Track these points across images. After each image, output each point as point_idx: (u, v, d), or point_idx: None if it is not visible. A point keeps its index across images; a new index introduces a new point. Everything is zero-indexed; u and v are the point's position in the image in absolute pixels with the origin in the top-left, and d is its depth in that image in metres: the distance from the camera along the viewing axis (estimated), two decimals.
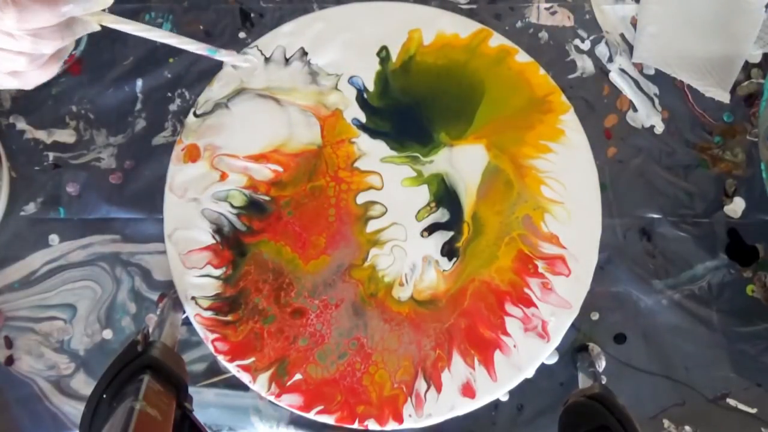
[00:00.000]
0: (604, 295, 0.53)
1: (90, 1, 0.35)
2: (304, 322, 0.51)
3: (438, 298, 0.51)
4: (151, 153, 0.55)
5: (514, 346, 0.50)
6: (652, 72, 0.56)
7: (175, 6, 0.56)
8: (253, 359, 0.50)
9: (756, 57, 0.55)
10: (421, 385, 0.50)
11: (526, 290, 0.51)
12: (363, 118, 0.53)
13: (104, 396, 0.39)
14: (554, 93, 0.53)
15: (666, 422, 0.53)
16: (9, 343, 0.53)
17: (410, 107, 0.54)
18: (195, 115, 0.53)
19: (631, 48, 0.56)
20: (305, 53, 0.54)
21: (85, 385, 0.53)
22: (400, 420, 0.50)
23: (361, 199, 0.52)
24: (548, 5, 0.56)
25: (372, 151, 0.53)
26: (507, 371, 0.50)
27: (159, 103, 0.55)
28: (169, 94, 0.55)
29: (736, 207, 0.54)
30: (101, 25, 0.38)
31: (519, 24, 0.56)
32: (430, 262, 0.52)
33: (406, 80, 0.54)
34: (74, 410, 0.53)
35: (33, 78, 0.37)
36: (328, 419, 0.50)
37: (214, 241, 0.52)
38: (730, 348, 0.53)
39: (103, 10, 0.37)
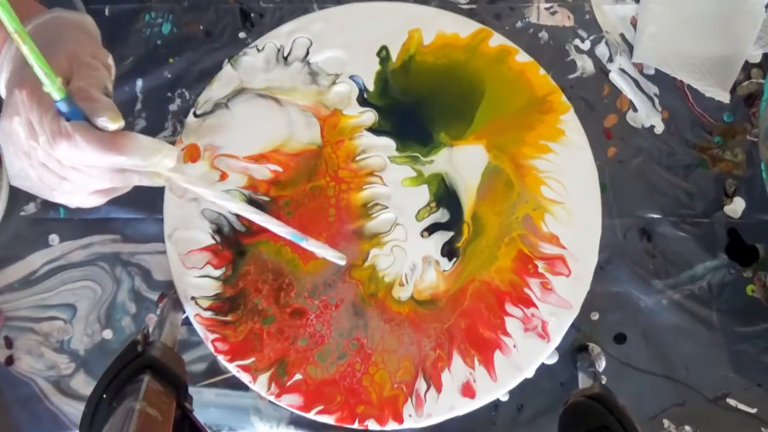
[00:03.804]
0: (604, 295, 0.53)
1: (147, 161, 0.34)
2: (303, 322, 0.51)
3: (438, 298, 0.51)
4: None
5: (514, 346, 0.50)
6: (652, 72, 0.56)
7: (175, 6, 0.56)
8: (253, 359, 0.50)
9: (756, 57, 0.55)
10: (421, 385, 0.50)
11: (526, 290, 0.51)
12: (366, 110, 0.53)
13: (104, 396, 0.39)
14: (554, 93, 0.54)
15: (666, 422, 0.53)
16: (9, 343, 0.53)
17: (410, 107, 0.54)
18: (195, 115, 0.53)
19: (631, 48, 0.56)
20: (306, 53, 0.54)
21: (85, 385, 0.53)
22: (400, 420, 0.50)
23: (362, 199, 0.52)
24: (548, 5, 0.56)
25: (376, 147, 0.53)
26: (507, 371, 0.50)
27: (159, 103, 0.55)
28: (169, 94, 0.55)
29: (736, 207, 0.54)
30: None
31: (519, 24, 0.56)
32: (430, 262, 0.52)
33: (406, 80, 0.54)
34: (74, 410, 0.53)
35: (74, 201, 0.37)
36: (328, 419, 0.50)
37: (213, 242, 0.52)
38: (730, 348, 0.53)
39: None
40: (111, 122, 0.33)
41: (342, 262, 0.44)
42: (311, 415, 0.50)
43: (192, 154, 0.53)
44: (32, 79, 0.32)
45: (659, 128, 0.55)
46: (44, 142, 0.33)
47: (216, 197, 0.39)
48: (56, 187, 0.36)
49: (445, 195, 0.52)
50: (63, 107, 0.33)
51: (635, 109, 0.55)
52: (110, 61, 0.37)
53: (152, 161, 0.34)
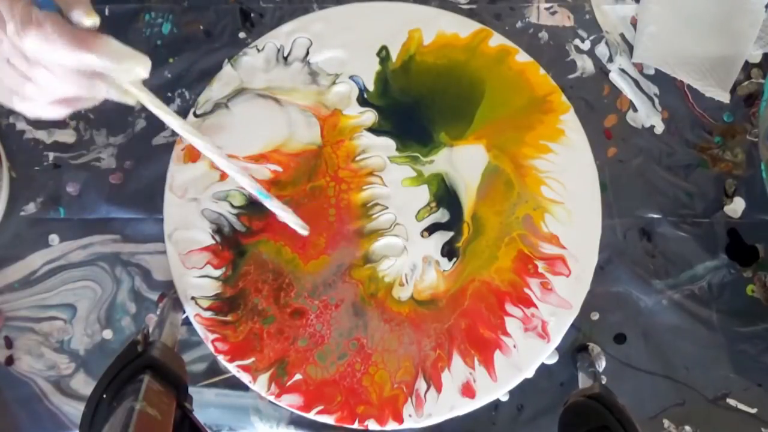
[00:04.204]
0: (604, 295, 0.53)
1: (119, 64, 0.32)
2: (303, 322, 0.51)
3: (438, 298, 0.51)
4: (151, 153, 0.55)
5: (514, 346, 0.50)
6: (652, 72, 0.56)
7: (175, 6, 0.56)
8: (253, 359, 0.50)
9: (756, 57, 0.55)
10: (421, 385, 0.50)
11: (526, 290, 0.51)
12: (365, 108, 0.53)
13: (104, 396, 0.39)
14: (554, 93, 0.54)
15: (666, 422, 0.53)
16: (9, 343, 0.53)
17: (410, 107, 0.54)
18: (195, 115, 0.53)
19: (631, 48, 0.56)
20: (306, 53, 0.54)
21: (85, 385, 0.53)
22: (400, 420, 0.50)
23: (362, 199, 0.52)
24: (548, 5, 0.56)
25: (376, 147, 0.53)
26: (507, 371, 0.50)
27: None
28: (169, 94, 0.55)
29: (736, 207, 0.54)
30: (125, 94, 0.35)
31: (519, 24, 0.56)
32: (430, 262, 0.52)
33: (406, 80, 0.54)
34: (74, 410, 0.53)
35: (35, 109, 0.34)
36: (328, 419, 0.50)
37: (213, 242, 0.52)
38: (730, 348, 0.53)
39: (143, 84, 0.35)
40: (86, 17, 0.31)
41: (305, 232, 0.45)
42: (311, 415, 0.50)
43: (192, 154, 0.53)
44: None
45: (659, 128, 0.55)
46: (12, 30, 0.30)
47: (181, 128, 0.38)
48: (17, 90, 0.33)
49: (445, 195, 0.52)
50: None
51: (635, 109, 0.55)
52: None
53: (124, 65, 0.32)
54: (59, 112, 0.35)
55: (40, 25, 0.30)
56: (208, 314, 0.51)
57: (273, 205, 0.43)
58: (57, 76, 0.32)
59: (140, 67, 0.33)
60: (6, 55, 0.32)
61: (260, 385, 0.50)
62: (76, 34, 0.31)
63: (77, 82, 0.33)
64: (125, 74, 0.33)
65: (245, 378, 0.50)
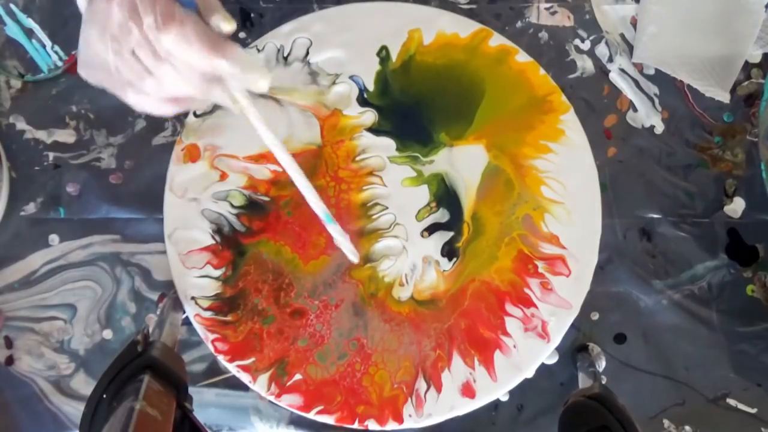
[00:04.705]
0: (604, 295, 0.53)
1: (247, 74, 0.32)
2: (303, 322, 0.51)
3: (438, 298, 0.51)
4: (151, 153, 0.55)
5: (514, 346, 0.50)
6: (652, 72, 0.56)
7: None
8: (253, 359, 0.50)
9: (756, 57, 0.55)
10: (421, 385, 0.50)
11: (526, 290, 0.51)
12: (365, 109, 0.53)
13: (104, 396, 0.39)
14: (554, 93, 0.54)
15: (666, 422, 0.53)
16: (9, 343, 0.53)
17: (410, 107, 0.53)
18: (195, 115, 0.53)
19: (631, 48, 0.56)
20: (305, 53, 0.54)
21: (85, 385, 0.53)
22: (400, 420, 0.50)
23: (362, 198, 0.52)
24: (548, 5, 0.56)
25: (376, 147, 0.53)
26: (507, 371, 0.50)
27: None
28: None
29: (736, 207, 0.54)
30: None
31: (519, 24, 0.56)
32: (430, 263, 0.52)
33: (406, 80, 0.54)
34: (74, 410, 0.53)
35: (147, 104, 0.34)
36: (328, 419, 0.50)
37: (213, 242, 0.52)
38: (730, 348, 0.53)
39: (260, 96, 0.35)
40: (226, 23, 0.31)
41: (355, 259, 0.46)
42: (311, 415, 0.50)
43: (192, 154, 0.53)
44: None
45: (659, 128, 0.55)
46: (150, 24, 0.30)
47: (274, 146, 0.38)
48: (135, 83, 0.33)
49: (445, 195, 0.52)
50: None
51: (635, 109, 0.55)
52: None
53: (250, 75, 0.33)
54: (169, 110, 0.35)
55: (182, 23, 0.30)
56: (208, 314, 0.51)
57: (334, 229, 0.44)
58: (181, 75, 0.32)
59: (264, 79, 0.34)
60: (133, 46, 0.31)
61: (260, 385, 0.50)
62: (213, 38, 0.31)
63: (198, 83, 0.33)
64: (247, 84, 0.34)
65: (245, 378, 0.50)
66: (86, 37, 0.32)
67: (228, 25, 0.32)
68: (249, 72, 0.33)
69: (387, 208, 0.52)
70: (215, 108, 0.53)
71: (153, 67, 0.32)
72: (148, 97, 0.34)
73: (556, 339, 0.51)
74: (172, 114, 0.35)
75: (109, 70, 0.32)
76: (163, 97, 0.34)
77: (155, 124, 0.55)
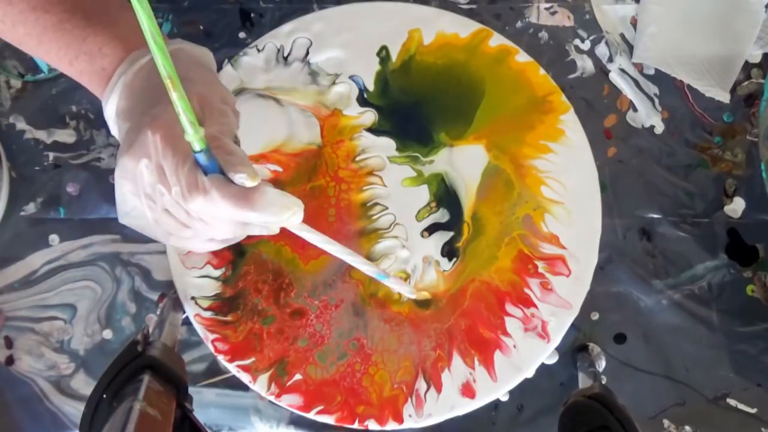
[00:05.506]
0: (604, 295, 0.53)
1: (278, 217, 0.33)
2: (303, 322, 0.51)
3: (438, 298, 0.51)
4: None
5: (514, 347, 0.50)
6: (652, 72, 0.56)
7: (175, 6, 0.56)
8: (253, 359, 0.50)
9: (756, 57, 0.55)
10: (421, 385, 0.50)
11: (526, 290, 0.51)
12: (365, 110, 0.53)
13: (104, 396, 0.39)
14: (554, 93, 0.54)
15: (666, 422, 0.53)
16: (9, 343, 0.53)
17: (410, 107, 0.54)
18: None
19: (631, 48, 0.56)
20: (305, 53, 0.54)
21: (85, 385, 0.53)
22: (400, 420, 0.50)
23: (362, 199, 0.52)
24: (548, 5, 0.56)
25: (376, 147, 0.53)
26: (507, 371, 0.50)
27: None
28: None
29: (736, 207, 0.54)
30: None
31: (519, 24, 0.56)
32: (430, 263, 0.52)
33: (406, 80, 0.54)
34: (74, 410, 0.53)
35: (190, 246, 0.36)
36: (328, 419, 0.50)
37: None
38: (730, 348, 0.53)
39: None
40: (249, 180, 0.32)
41: (414, 296, 0.49)
42: (311, 415, 0.50)
43: None
44: (167, 121, 0.31)
45: (659, 128, 0.55)
46: (177, 193, 0.31)
47: (321, 242, 0.39)
48: (174, 233, 0.35)
49: (445, 195, 0.52)
50: (202, 159, 0.31)
51: (635, 109, 0.55)
52: (237, 106, 0.36)
53: (282, 218, 0.33)
54: (213, 247, 0.37)
55: (207, 192, 0.31)
56: (208, 314, 0.51)
57: (391, 282, 0.47)
58: (215, 227, 0.34)
59: (296, 216, 0.34)
60: (167, 206, 0.33)
61: (260, 385, 0.50)
62: (239, 195, 0.32)
63: (234, 230, 0.34)
64: (280, 224, 0.35)
65: (245, 378, 0.50)
66: (122, 192, 0.34)
67: (251, 181, 0.32)
68: (282, 214, 0.33)
69: (387, 208, 0.52)
70: None
71: (187, 222, 0.34)
72: (190, 241, 0.35)
73: (556, 339, 0.51)
74: (218, 248, 0.37)
75: (148, 221, 0.34)
76: (204, 240, 0.36)
77: None
